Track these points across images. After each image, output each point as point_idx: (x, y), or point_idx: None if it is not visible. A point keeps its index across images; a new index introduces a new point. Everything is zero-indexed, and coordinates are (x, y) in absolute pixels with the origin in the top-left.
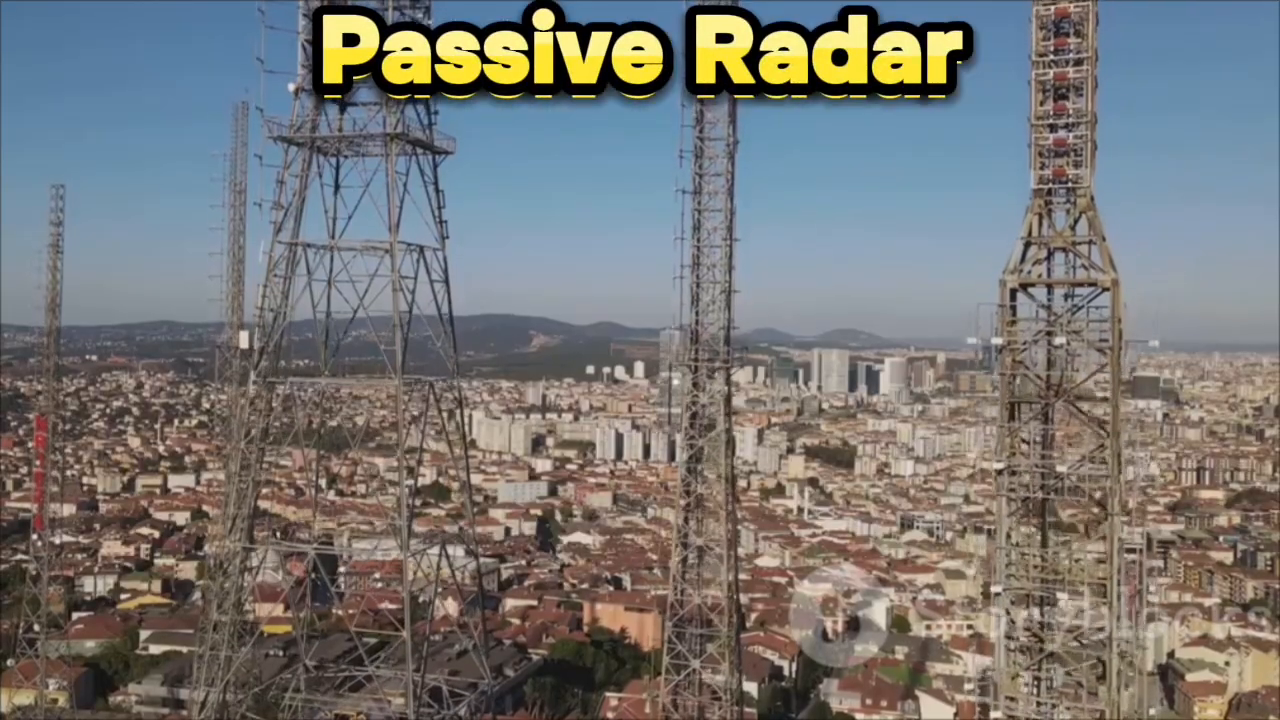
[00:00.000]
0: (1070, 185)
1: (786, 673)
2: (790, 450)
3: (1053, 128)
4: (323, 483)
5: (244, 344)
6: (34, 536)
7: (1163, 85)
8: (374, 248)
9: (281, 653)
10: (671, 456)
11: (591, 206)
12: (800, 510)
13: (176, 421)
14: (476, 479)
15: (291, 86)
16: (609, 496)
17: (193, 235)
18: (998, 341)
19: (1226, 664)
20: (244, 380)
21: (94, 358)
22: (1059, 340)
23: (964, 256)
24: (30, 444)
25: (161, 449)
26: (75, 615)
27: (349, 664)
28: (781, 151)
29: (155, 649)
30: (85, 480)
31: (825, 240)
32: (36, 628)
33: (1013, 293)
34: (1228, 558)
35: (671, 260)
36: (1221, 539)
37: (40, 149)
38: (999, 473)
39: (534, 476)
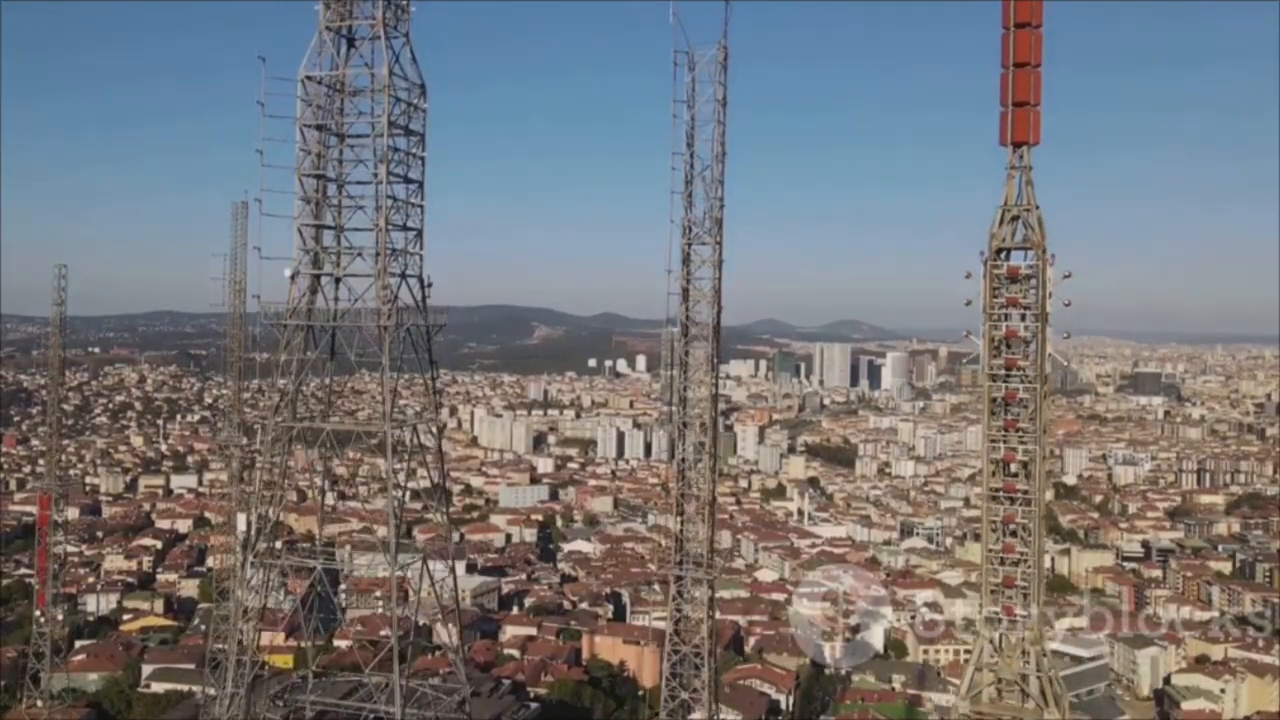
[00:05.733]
0: (1016, 619)
1: (784, 706)
2: (791, 449)
3: (1001, 561)
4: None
5: (241, 527)
6: (36, 613)
7: (1167, 83)
8: (368, 430)
9: (282, 702)
10: (673, 455)
11: (593, 198)
12: (800, 513)
13: (179, 417)
14: (478, 482)
15: (288, 271)
16: (610, 500)
17: (195, 227)
18: None
19: (1222, 691)
20: (242, 560)
21: (96, 350)
22: None
23: (964, 248)
24: (34, 442)
25: (164, 448)
26: (77, 643)
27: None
28: (786, 148)
29: (158, 687)
30: (88, 480)
31: (828, 233)
32: (40, 704)
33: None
34: (1226, 567)
35: (671, 254)
36: (1220, 548)
37: (43, 140)
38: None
39: (535, 479)
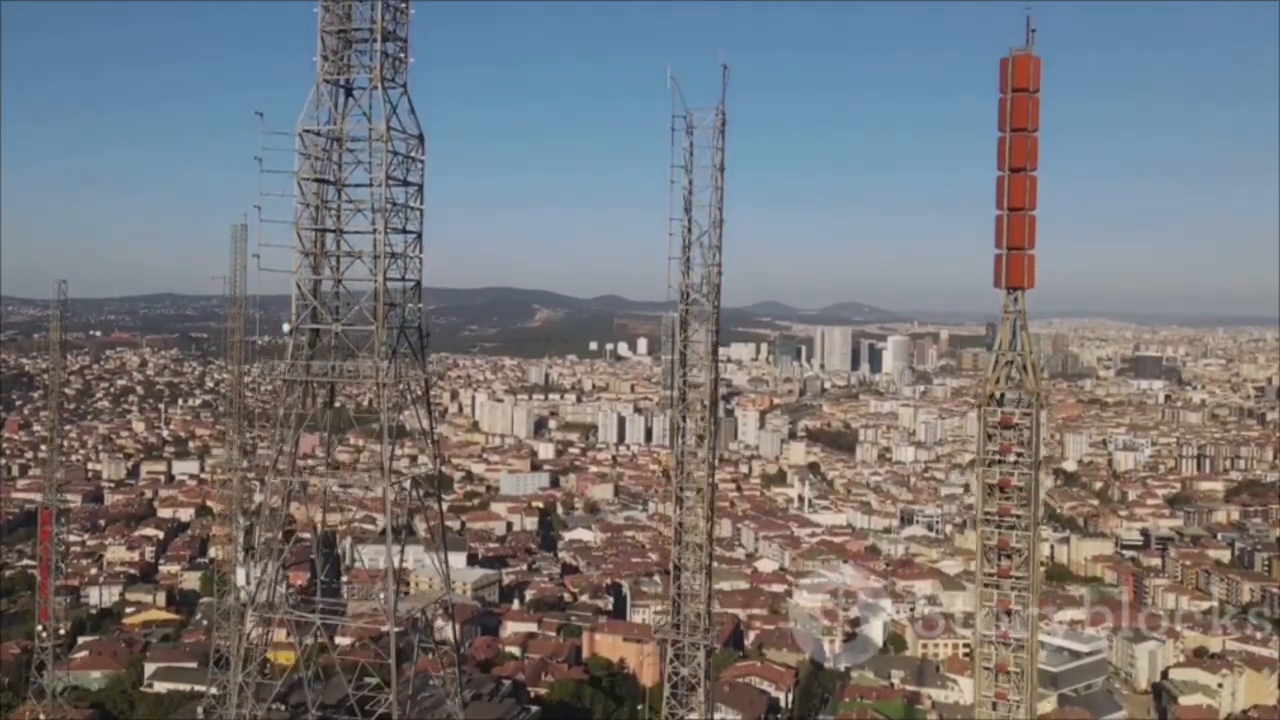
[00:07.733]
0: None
1: (783, 704)
2: (792, 434)
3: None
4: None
5: (241, 581)
6: (39, 627)
7: (1167, 64)
8: (368, 486)
9: (284, 707)
10: (673, 444)
11: (594, 179)
12: (801, 500)
13: (180, 401)
14: (479, 468)
15: (287, 327)
16: (611, 488)
17: (197, 209)
18: None
19: (1219, 685)
20: (241, 614)
21: (97, 333)
22: None
23: (964, 230)
24: (36, 427)
25: (165, 433)
26: (80, 639)
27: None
28: (788, 130)
29: (160, 686)
30: (90, 466)
31: (829, 215)
32: (44, 717)
33: None
34: (1225, 556)
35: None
36: (1220, 536)
37: (44, 122)
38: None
39: (536, 466)
